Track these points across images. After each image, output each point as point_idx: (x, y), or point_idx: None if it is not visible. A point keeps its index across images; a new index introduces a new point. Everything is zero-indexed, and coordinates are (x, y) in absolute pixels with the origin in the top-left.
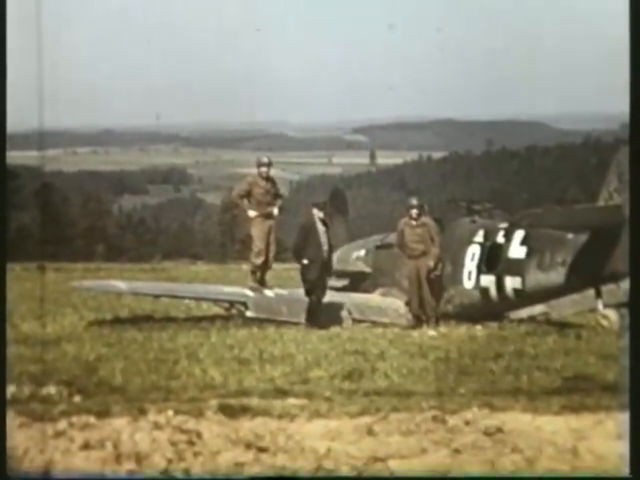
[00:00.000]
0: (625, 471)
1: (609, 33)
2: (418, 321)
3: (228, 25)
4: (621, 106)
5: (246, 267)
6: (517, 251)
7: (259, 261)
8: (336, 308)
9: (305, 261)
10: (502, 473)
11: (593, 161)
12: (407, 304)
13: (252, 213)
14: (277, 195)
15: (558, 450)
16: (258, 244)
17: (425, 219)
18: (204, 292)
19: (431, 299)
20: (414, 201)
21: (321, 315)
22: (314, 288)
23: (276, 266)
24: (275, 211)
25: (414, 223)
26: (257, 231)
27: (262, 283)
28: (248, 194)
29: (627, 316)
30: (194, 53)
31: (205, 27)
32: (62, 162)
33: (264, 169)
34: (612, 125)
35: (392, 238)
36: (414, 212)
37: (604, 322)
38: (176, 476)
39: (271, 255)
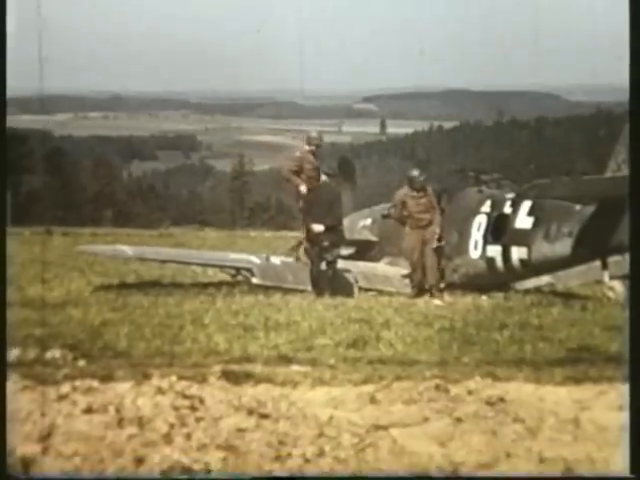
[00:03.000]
0: (625, 442)
1: (622, 4)
2: (420, 291)
3: None
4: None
5: (254, 234)
6: (524, 221)
7: None
8: (343, 276)
9: (320, 227)
10: (503, 443)
11: (603, 132)
12: (410, 275)
13: (304, 188)
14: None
15: (560, 420)
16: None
17: (426, 188)
18: (210, 258)
19: (435, 269)
20: (416, 172)
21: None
22: (330, 254)
23: (284, 234)
24: None
25: (416, 194)
26: None
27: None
28: (300, 169)
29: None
30: (205, 18)
31: None
32: (72, 127)
33: (314, 146)
34: (623, 96)
35: (390, 208)
36: (419, 183)
37: (610, 293)
38: (177, 477)
39: None
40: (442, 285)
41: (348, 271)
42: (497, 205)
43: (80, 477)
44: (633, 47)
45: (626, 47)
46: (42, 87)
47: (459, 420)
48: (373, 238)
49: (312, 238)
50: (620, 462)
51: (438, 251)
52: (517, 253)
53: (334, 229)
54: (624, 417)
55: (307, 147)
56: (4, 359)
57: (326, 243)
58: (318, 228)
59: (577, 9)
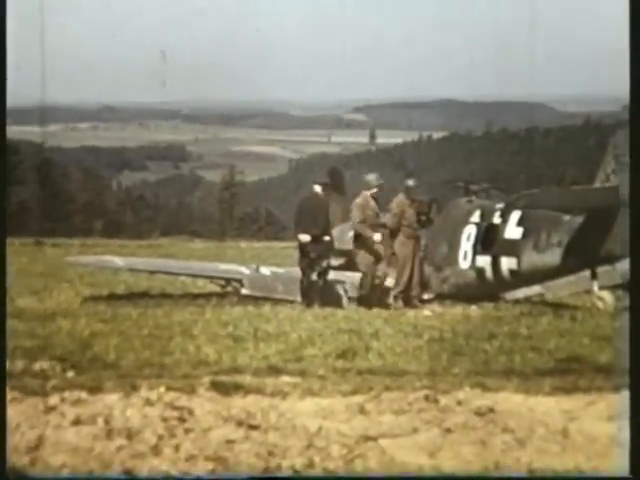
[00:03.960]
0: (614, 452)
1: (611, 15)
2: (406, 301)
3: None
4: (622, 88)
5: (244, 245)
6: (513, 232)
7: None
8: (333, 287)
9: (306, 237)
10: (493, 453)
11: (592, 143)
12: (397, 286)
13: (378, 237)
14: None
15: (549, 430)
16: None
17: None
18: (200, 269)
19: (419, 280)
20: (412, 182)
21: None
22: (318, 265)
23: (274, 244)
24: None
25: (411, 203)
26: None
27: None
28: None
29: (622, 298)
30: (196, 30)
31: (206, 2)
32: (62, 138)
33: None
34: (613, 107)
35: (387, 218)
36: (414, 193)
37: (599, 304)
38: (176, 476)
39: None
40: (429, 296)
41: (340, 282)
42: (486, 215)
43: (78, 477)
44: (633, 48)
45: (620, 57)
46: (31, 98)
47: (448, 430)
48: None
49: (301, 249)
50: (609, 473)
51: (422, 262)
52: (507, 263)
53: (321, 239)
54: (613, 427)
55: (367, 192)
56: (3, 364)
57: (313, 254)
58: (304, 238)
59: (567, 21)
